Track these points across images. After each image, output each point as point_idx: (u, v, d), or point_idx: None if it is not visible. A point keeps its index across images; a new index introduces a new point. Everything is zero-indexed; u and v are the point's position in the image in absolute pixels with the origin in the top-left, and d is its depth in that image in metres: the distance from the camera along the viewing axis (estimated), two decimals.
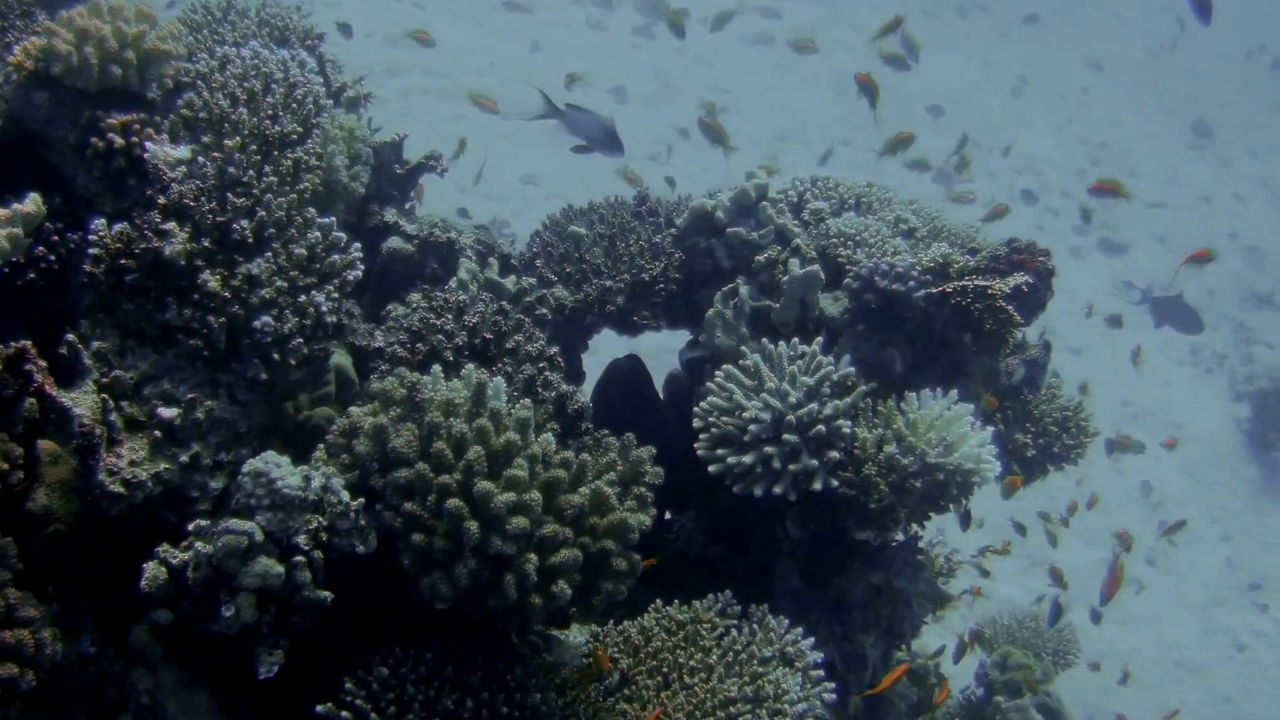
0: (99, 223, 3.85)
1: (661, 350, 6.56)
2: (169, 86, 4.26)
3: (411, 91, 17.16)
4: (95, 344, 3.81)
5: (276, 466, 3.55)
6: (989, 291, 4.96)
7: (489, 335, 4.57)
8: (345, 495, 3.64)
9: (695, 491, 5.40)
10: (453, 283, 5.34)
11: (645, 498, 3.98)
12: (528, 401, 3.88)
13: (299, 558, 3.52)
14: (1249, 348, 17.33)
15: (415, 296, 5.30)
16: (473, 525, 3.48)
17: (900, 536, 5.12)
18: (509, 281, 5.44)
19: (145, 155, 4.01)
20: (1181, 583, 13.02)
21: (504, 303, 4.92)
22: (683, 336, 6.00)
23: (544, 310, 5.46)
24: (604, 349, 6.09)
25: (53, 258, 4.02)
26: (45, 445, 3.62)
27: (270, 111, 4.13)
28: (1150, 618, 12.35)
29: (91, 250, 3.82)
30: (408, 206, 5.78)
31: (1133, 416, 15.11)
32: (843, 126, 20.76)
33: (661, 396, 6.00)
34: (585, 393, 5.46)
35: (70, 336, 3.74)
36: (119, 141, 4.03)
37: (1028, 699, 6.83)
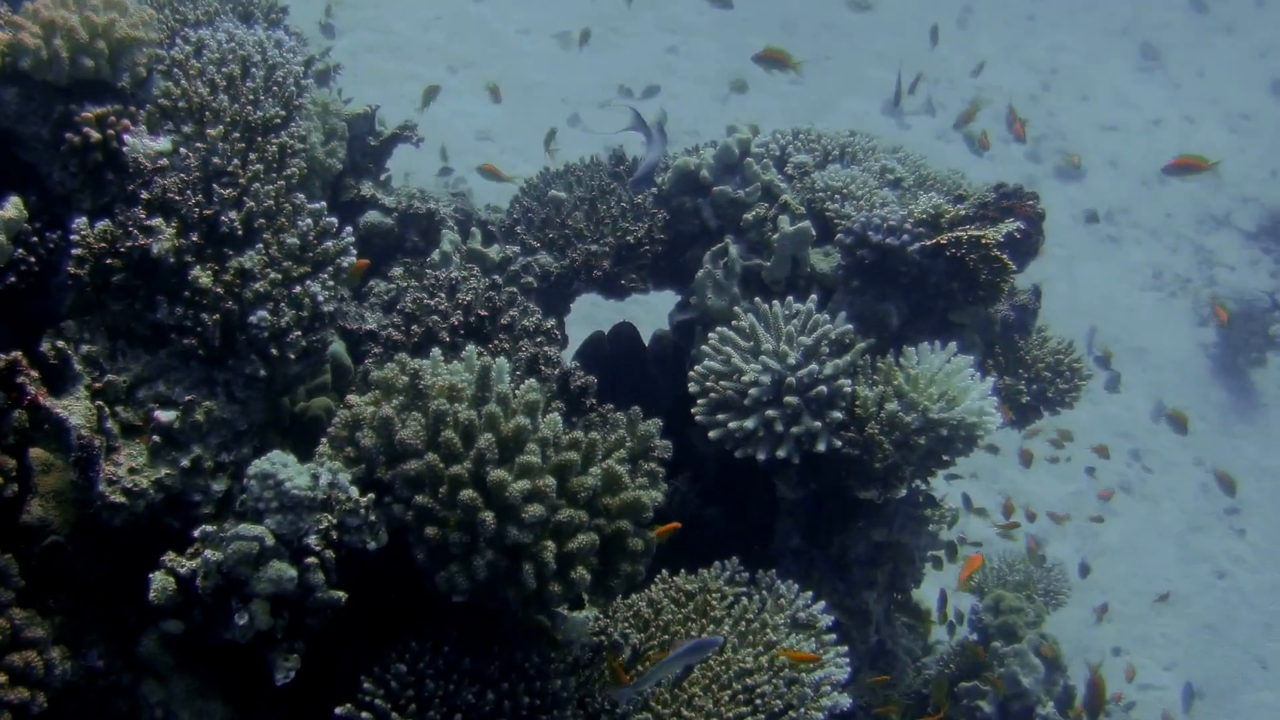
0: (80, 221, 3.72)
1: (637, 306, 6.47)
2: (142, 75, 4.12)
3: (359, 50, 16.88)
4: (84, 348, 3.69)
5: (284, 467, 3.46)
6: (983, 241, 4.91)
7: (484, 312, 4.48)
8: (354, 491, 3.54)
9: (690, 454, 5.33)
10: (435, 254, 5.23)
11: (656, 473, 3.92)
12: (534, 383, 3.79)
13: (311, 559, 3.44)
14: (1210, 270, 17.39)
15: (398, 271, 5.20)
16: (488, 516, 3.40)
17: (903, 492, 5.07)
18: (493, 251, 5.34)
19: (124, 149, 3.87)
20: (1158, 510, 13.09)
21: (495, 277, 4.82)
22: (667, 296, 5.93)
23: (530, 279, 5.37)
24: (580, 307, 5.99)
25: (32, 259, 3.87)
26: (36, 454, 3.52)
27: (251, 96, 4.00)
28: (1128, 548, 12.41)
29: (75, 251, 3.70)
30: (383, 178, 5.67)
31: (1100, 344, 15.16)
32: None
33: (649, 355, 5.94)
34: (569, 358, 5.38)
35: (59, 342, 3.63)
36: (95, 135, 3.89)
37: (1025, 643, 6.83)
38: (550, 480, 3.47)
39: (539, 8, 20.08)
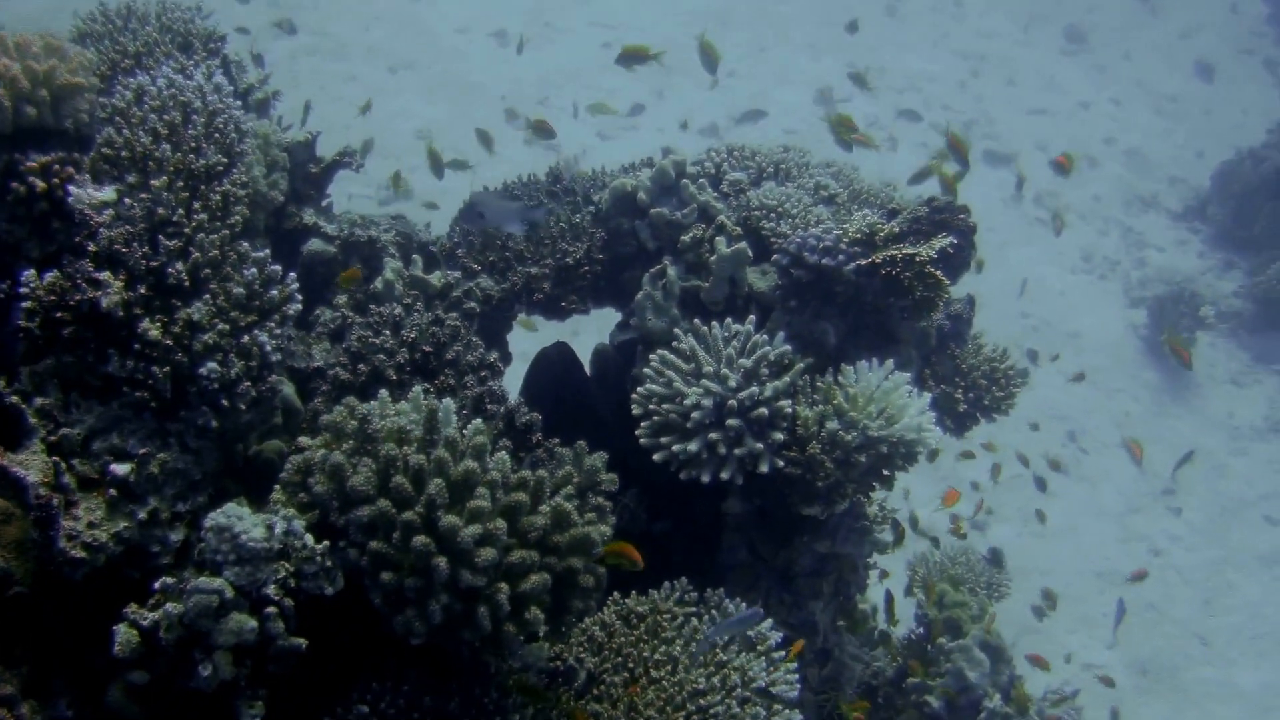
0: (29, 274, 3.75)
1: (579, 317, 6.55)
2: (85, 120, 4.14)
3: (298, 53, 16.85)
4: (38, 400, 3.72)
5: (239, 520, 3.52)
6: (917, 259, 5.00)
7: (428, 348, 4.54)
8: (309, 539, 3.61)
9: (634, 470, 5.41)
10: (378, 283, 5.28)
11: (603, 507, 4.00)
12: (480, 424, 3.87)
13: (271, 609, 3.50)
14: (1140, 251, 17.63)
15: (342, 299, 5.25)
16: (442, 561, 3.47)
17: (845, 506, 5.17)
18: (435, 277, 5.39)
19: (70, 200, 3.90)
20: (1095, 491, 13.29)
21: (439, 311, 4.87)
22: (607, 310, 6.01)
23: (472, 304, 5.43)
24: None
25: None
26: None
27: (193, 144, 4.04)
28: (1067, 529, 12.60)
29: (25, 304, 3.72)
30: (325, 204, 5.71)
31: (1032, 329, 15.34)
32: (728, 57, 20.69)
33: (589, 372, 6.01)
34: (514, 375, 5.44)
35: (13, 397, 3.66)
36: (40, 185, 3.91)
37: (970, 638, 6.96)
38: (501, 523, 3.55)
39: (475, 5, 20.09)
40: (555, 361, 5.88)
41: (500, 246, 5.71)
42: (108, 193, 3.95)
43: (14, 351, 3.87)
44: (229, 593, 3.45)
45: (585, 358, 6.07)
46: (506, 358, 5.77)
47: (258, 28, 15.58)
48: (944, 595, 7.13)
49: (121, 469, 3.66)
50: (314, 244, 5.38)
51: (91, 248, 3.81)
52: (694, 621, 4.67)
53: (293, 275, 4.04)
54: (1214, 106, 22.38)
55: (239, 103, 4.34)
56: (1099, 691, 10.12)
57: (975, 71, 22.25)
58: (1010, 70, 22.24)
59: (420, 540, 3.48)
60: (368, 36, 18.48)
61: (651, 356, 5.01)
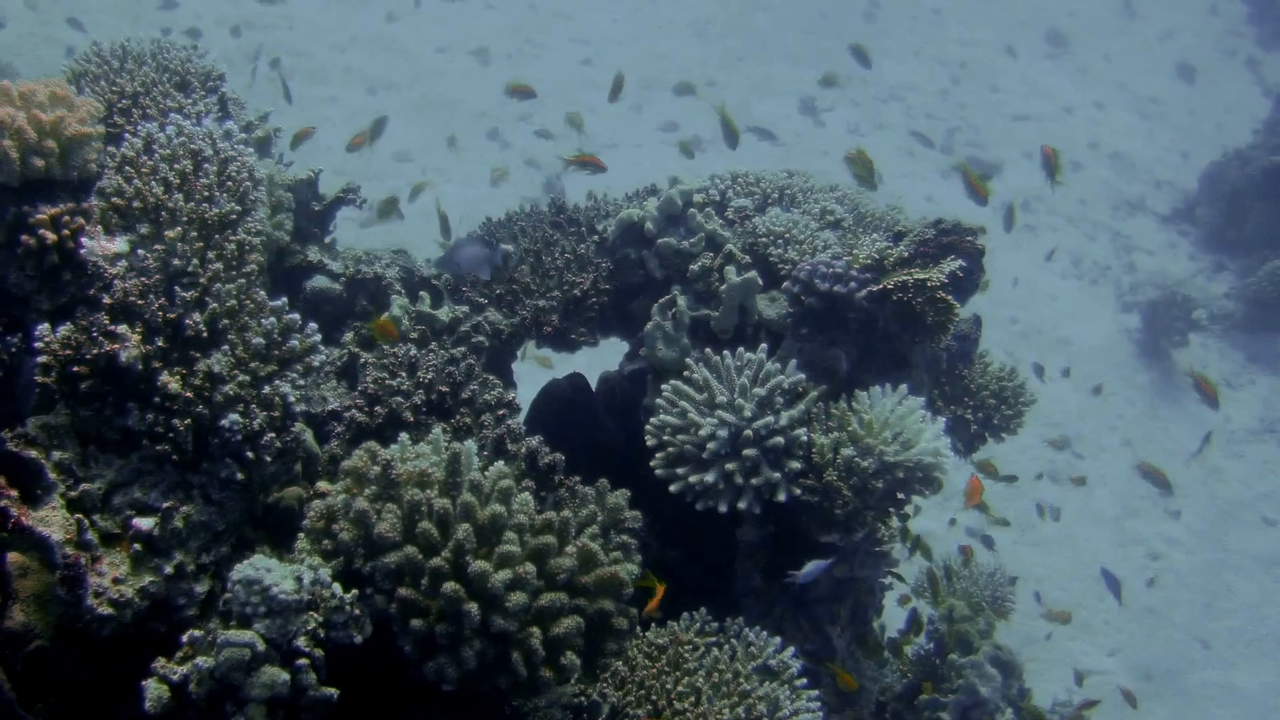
0: (43, 328, 3.72)
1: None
2: (93, 171, 4.11)
3: (277, 76, 16.84)
4: (56, 454, 3.69)
5: (268, 572, 3.50)
6: (928, 284, 4.99)
7: (445, 388, 4.53)
8: (338, 588, 3.59)
9: (645, 497, 5.40)
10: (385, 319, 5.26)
11: (629, 545, 4.00)
12: (504, 467, 3.86)
13: (302, 660, 3.48)
14: (1129, 255, 17.67)
15: (349, 336, 5.23)
16: (473, 607, 3.46)
17: (863, 534, 5.17)
18: (442, 312, 5.38)
19: (82, 252, 3.87)
20: (1091, 497, 13.29)
21: (454, 350, 4.86)
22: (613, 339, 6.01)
23: (481, 338, 5.42)
24: None
25: None
26: (14, 559, 3.54)
27: (206, 193, 4.01)
28: (1064, 537, 12.60)
29: (40, 359, 3.70)
30: (327, 240, 5.69)
31: (1021, 335, 15.36)
32: (705, 68, 20.72)
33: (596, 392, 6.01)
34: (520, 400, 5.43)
35: (32, 452, 3.64)
36: (51, 237, 3.87)
37: (981, 655, 6.96)
38: (530, 567, 3.55)
39: (454, 25, 20.10)
40: (565, 391, 5.87)
41: (507, 279, 5.70)
42: (120, 244, 3.93)
43: (25, 404, 3.85)
44: (260, 645, 3.43)
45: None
46: (511, 388, 5.76)
47: (230, 52, 15.60)
48: (953, 610, 7.14)
49: (145, 524, 3.63)
50: (319, 281, 5.37)
51: (107, 300, 3.78)
52: (714, 652, 4.65)
53: (313, 326, 4.01)
54: (1197, 107, 22.48)
55: (251, 149, 4.32)
56: (1108, 697, 10.11)
57: (956, 79, 22.31)
58: (992, 77, 22.30)
59: (450, 586, 3.47)
60: (345, 58, 18.46)
61: (664, 387, 5.00)
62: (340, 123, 15.40)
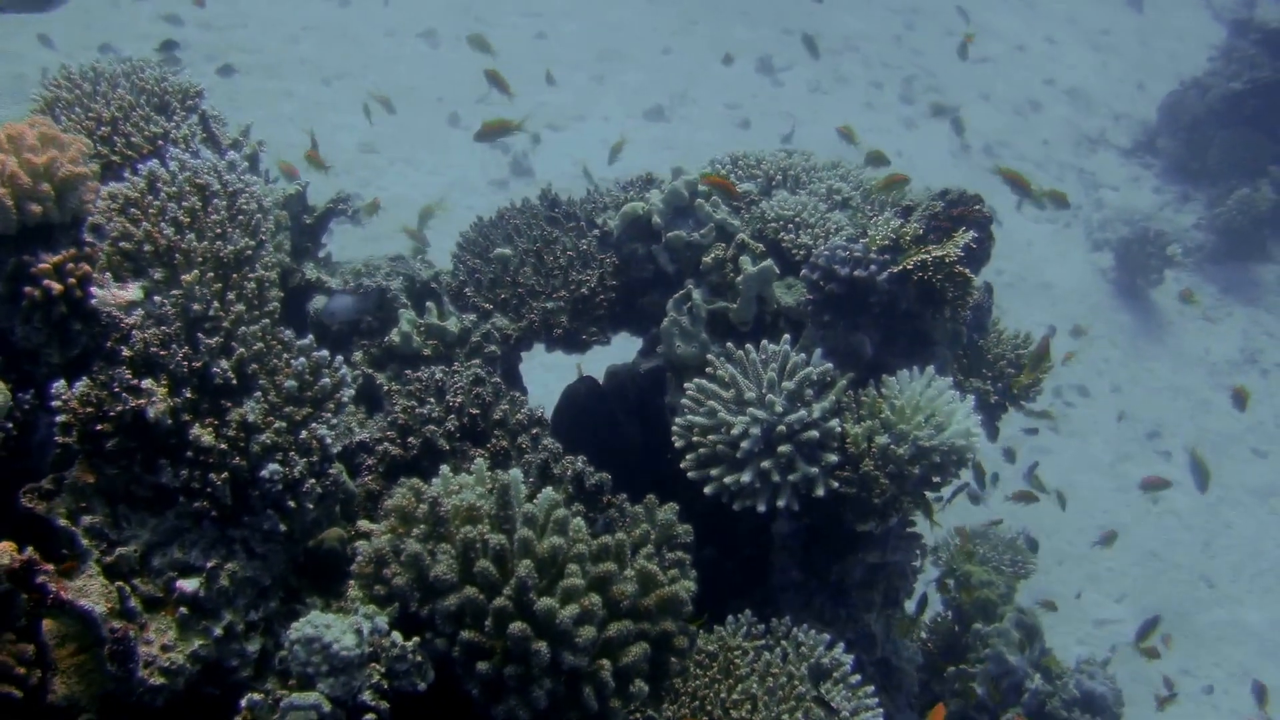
0: (59, 385, 3.53)
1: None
2: (91, 213, 3.92)
3: (233, 73, 16.57)
4: (86, 519, 3.51)
5: (327, 628, 3.36)
6: (947, 260, 4.88)
7: (475, 411, 4.38)
8: (398, 637, 3.46)
9: (672, 497, 5.29)
10: (395, 335, 5.12)
11: (684, 561, 3.89)
12: (553, 494, 3.72)
13: (369, 716, 3.35)
14: (1095, 193, 17.64)
15: (358, 355, 5.09)
16: (542, 646, 3.34)
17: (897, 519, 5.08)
18: (451, 323, 5.23)
19: (93, 302, 3.69)
20: (1086, 444, 13.27)
21: (477, 368, 4.71)
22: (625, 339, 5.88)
23: (493, 347, 5.28)
24: None
25: (10, 425, 3.68)
26: (49, 626, 3.38)
27: (218, 231, 3.84)
28: (1065, 486, 12.55)
29: (60, 418, 3.52)
30: (322, 255, 5.53)
31: (1006, 285, 15.29)
32: (660, 35, 20.52)
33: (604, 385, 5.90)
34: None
35: (61, 520, 3.47)
36: (56, 287, 3.67)
37: (1006, 621, 6.89)
38: (595, 598, 3.43)
39: (401, 7, 19.78)
40: (582, 396, 5.75)
41: (511, 283, 5.56)
42: (134, 291, 3.75)
43: (42, 462, 3.68)
44: (326, 706, 3.29)
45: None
46: (523, 392, 5.63)
47: (188, 53, 15.32)
48: (970, 576, 7.07)
49: (189, 585, 3.46)
50: (320, 302, 5.21)
51: (126, 352, 3.60)
52: (765, 655, 4.55)
53: (340, 359, 3.84)
54: (1148, 37, 22.47)
55: (256, 179, 4.15)
56: (1124, 645, 10.11)
57: (910, 25, 22.20)
58: (945, 19, 22.17)
59: (517, 626, 3.34)
60: (298, 49, 18.16)
61: (688, 386, 4.87)
62: (297, 116, 15.14)
